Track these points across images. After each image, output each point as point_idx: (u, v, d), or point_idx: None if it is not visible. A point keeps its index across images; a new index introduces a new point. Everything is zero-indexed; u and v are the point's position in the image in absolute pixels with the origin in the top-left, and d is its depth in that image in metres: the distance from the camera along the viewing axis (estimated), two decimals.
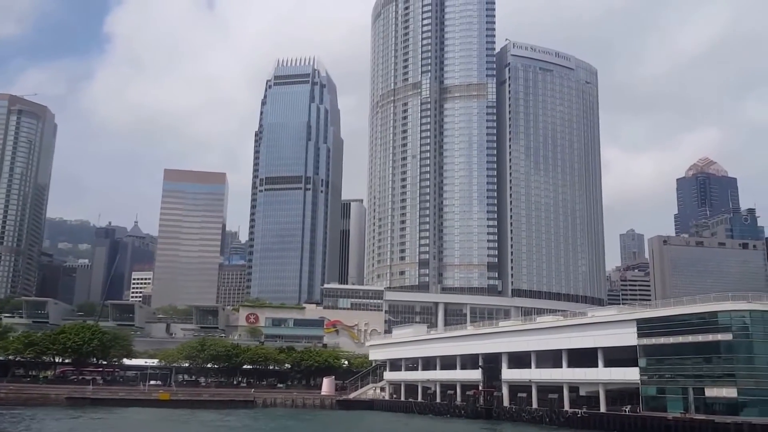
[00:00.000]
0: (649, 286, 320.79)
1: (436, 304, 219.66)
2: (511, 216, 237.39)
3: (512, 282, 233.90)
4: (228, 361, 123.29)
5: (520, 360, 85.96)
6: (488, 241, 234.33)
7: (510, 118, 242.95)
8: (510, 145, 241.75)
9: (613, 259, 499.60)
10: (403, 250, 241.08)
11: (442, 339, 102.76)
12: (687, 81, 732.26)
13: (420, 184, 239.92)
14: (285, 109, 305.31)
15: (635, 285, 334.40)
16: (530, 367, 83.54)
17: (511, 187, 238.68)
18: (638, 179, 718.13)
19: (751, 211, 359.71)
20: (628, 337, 71.63)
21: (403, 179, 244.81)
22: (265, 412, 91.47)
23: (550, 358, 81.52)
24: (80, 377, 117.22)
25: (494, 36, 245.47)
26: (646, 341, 70.30)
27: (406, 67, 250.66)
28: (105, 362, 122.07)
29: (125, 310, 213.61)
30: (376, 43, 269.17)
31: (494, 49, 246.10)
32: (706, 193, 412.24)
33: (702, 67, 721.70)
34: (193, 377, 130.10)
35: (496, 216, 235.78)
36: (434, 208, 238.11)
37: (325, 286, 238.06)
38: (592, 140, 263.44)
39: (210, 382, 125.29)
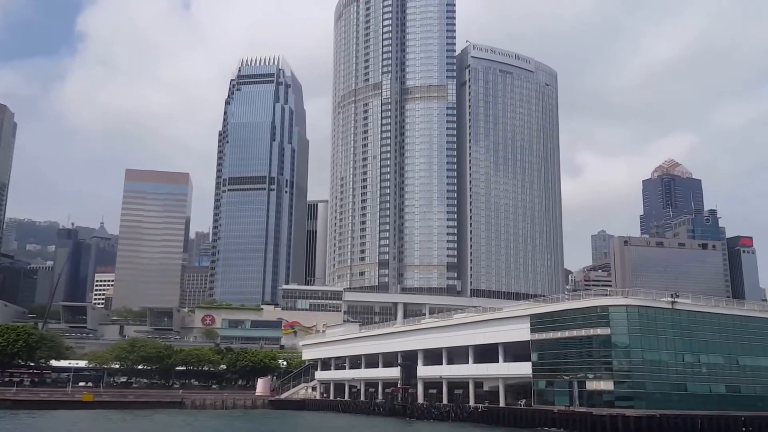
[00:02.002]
0: (611, 286, 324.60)
1: (396, 304, 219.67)
2: (470, 217, 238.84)
3: (471, 282, 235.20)
4: (160, 362, 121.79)
5: (439, 357, 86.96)
6: (448, 241, 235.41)
7: (470, 120, 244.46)
8: (470, 147, 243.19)
9: (585, 260, 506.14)
10: (363, 251, 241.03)
11: (366, 338, 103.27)
12: (662, 88, 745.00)
13: (380, 185, 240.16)
14: (249, 109, 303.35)
15: (598, 285, 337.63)
16: (441, 364, 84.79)
17: (471, 188, 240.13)
18: (612, 182, 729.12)
19: (713, 212, 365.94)
20: (523, 332, 73.40)
21: (364, 180, 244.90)
22: (186, 413, 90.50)
23: (464, 355, 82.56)
24: (8, 379, 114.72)
25: (455, 38, 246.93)
26: (537, 336, 72.11)
27: (367, 67, 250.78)
28: (33, 364, 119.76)
29: (77, 312, 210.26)
30: (338, 44, 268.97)
31: (455, 51, 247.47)
32: (670, 194, 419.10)
33: (676, 76, 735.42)
34: (127, 379, 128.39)
35: (456, 217, 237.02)
36: (394, 209, 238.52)
37: (284, 287, 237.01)
38: (551, 142, 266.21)
39: (142, 384, 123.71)
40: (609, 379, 65.11)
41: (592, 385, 66.15)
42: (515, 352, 76.05)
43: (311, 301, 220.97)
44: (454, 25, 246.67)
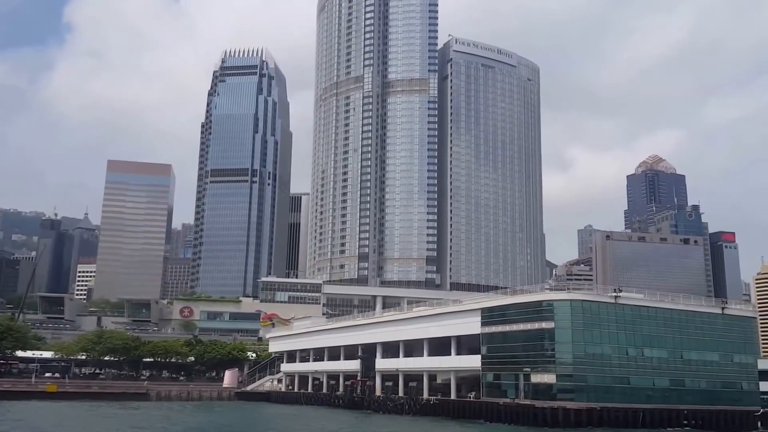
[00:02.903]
0: (592, 280, 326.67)
1: (374, 297, 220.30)
2: (451, 211, 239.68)
3: (451, 276, 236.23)
4: (126, 353, 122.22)
5: (397, 350, 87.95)
6: (428, 235, 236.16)
7: (452, 114, 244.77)
8: (451, 140, 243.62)
9: (572, 254, 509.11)
10: (343, 244, 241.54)
11: (328, 330, 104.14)
12: (652, 84, 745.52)
13: (361, 178, 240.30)
14: (232, 100, 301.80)
15: (581, 279, 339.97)
16: (398, 357, 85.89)
17: (451, 182, 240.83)
18: (601, 177, 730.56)
19: (696, 207, 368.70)
20: (474, 325, 74.29)
21: (345, 173, 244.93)
22: (145, 405, 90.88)
23: (422, 348, 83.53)
24: None
25: (437, 31, 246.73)
26: (487, 330, 73.10)
27: (348, 60, 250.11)
28: None
29: (55, 303, 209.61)
30: (321, 37, 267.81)
31: (437, 44, 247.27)
32: (654, 189, 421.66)
33: (666, 71, 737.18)
34: (94, 370, 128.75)
35: (436, 210, 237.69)
36: (375, 202, 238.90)
37: (263, 279, 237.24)
38: (533, 136, 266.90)
39: (109, 375, 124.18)
40: (552, 372, 66.23)
41: (536, 378, 67.38)
42: (470, 344, 77.03)
43: (290, 293, 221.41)
44: (437, 18, 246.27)
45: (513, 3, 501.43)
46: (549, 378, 65.77)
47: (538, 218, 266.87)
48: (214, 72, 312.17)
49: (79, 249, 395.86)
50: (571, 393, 64.97)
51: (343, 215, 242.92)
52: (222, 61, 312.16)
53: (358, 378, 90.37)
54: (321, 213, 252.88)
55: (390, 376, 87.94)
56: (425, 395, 79.95)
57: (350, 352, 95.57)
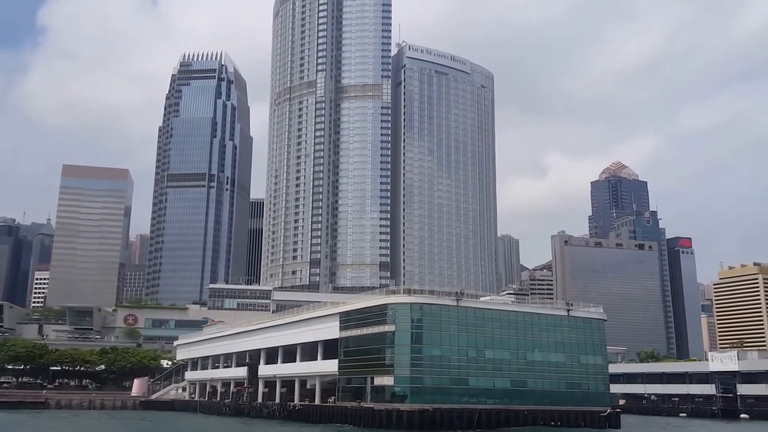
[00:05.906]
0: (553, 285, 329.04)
1: (325, 303, 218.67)
2: (404, 216, 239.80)
3: (404, 281, 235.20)
4: (31, 361, 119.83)
5: (278, 356, 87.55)
6: (381, 240, 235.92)
7: (405, 120, 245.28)
8: (404, 146, 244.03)
9: (547, 259, 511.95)
10: (295, 250, 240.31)
11: (223, 337, 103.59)
12: (629, 92, 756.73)
13: (314, 183, 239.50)
14: (190, 104, 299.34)
15: (543, 284, 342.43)
16: (278, 363, 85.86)
17: (404, 188, 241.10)
18: (576, 183, 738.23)
19: (654, 213, 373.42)
20: (334, 330, 74.38)
21: (298, 178, 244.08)
22: (34, 414, 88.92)
23: (304, 353, 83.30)
24: None
25: (390, 38, 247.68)
26: (344, 334, 73.43)
27: (302, 65, 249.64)
28: None
29: None
30: (276, 41, 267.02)
31: (390, 50, 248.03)
32: (617, 195, 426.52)
33: (640, 80, 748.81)
34: None
35: (389, 216, 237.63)
36: (328, 208, 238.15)
37: (210, 285, 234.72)
38: (487, 142, 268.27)
39: (12, 383, 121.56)
40: (391, 374, 66.62)
41: (378, 380, 67.96)
42: (339, 349, 77.09)
43: (239, 300, 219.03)
44: (390, 25, 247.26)
45: (493, 13, 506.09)
46: (388, 380, 66.78)
47: (493, 223, 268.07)
48: (173, 75, 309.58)
49: (39, 255, 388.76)
50: (405, 395, 65.26)
51: (296, 221, 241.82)
52: (181, 65, 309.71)
53: (245, 385, 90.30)
54: (274, 218, 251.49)
55: (271, 382, 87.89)
56: (296, 400, 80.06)
57: (241, 358, 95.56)
